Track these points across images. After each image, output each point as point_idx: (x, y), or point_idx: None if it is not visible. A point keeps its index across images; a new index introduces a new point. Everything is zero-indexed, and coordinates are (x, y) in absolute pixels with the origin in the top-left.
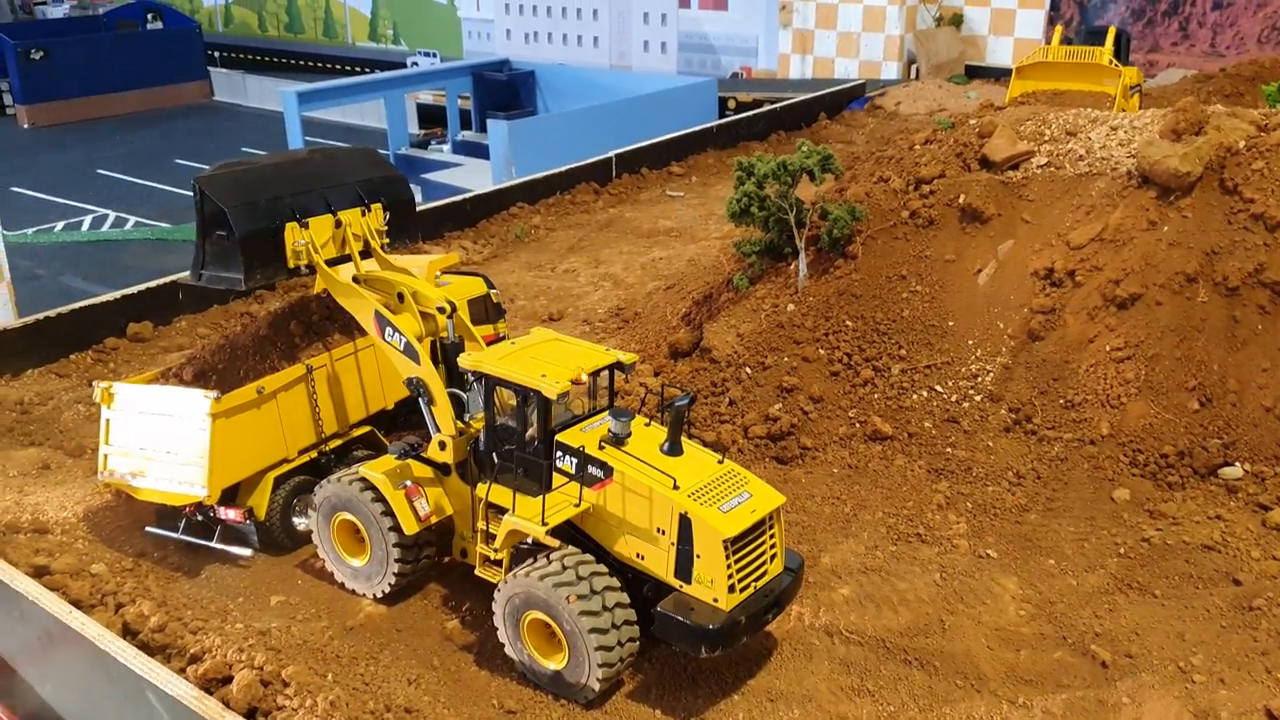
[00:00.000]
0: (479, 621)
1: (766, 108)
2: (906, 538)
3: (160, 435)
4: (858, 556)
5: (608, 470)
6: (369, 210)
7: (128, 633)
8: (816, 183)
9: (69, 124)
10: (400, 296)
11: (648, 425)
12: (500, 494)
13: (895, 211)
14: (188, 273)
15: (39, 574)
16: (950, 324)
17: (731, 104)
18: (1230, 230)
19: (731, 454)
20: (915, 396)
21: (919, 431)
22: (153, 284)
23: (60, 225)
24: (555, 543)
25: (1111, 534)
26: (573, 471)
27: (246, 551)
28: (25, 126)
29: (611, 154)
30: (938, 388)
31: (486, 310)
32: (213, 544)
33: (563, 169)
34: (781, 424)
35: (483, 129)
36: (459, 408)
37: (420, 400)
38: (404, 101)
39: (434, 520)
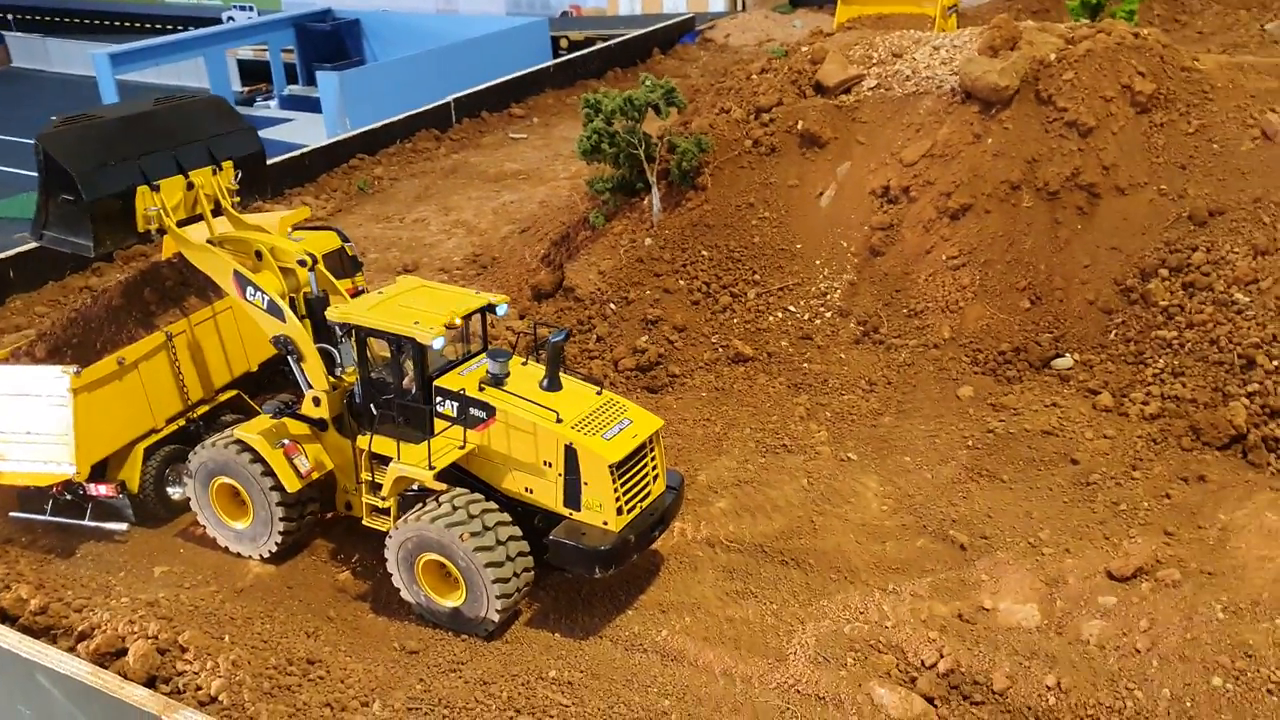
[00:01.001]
0: (370, 571)
1: (600, 45)
2: (774, 449)
3: (18, 416)
4: (731, 471)
5: (490, 410)
6: (220, 169)
7: (6, 619)
8: (663, 117)
9: None
10: (258, 254)
11: (524, 364)
12: (382, 444)
13: (739, 141)
14: (30, 232)
15: None
16: (798, 246)
17: (564, 43)
18: (1047, 138)
19: (604, 387)
20: (771, 318)
21: (777, 350)
22: None
23: None
24: (442, 486)
25: (959, 428)
26: (454, 415)
27: (122, 526)
28: None
29: (450, 99)
30: (791, 308)
31: (343, 264)
32: (85, 522)
33: (400, 117)
34: (649, 355)
35: (310, 82)
36: (329, 362)
37: (290, 358)
38: (224, 58)
39: (315, 476)
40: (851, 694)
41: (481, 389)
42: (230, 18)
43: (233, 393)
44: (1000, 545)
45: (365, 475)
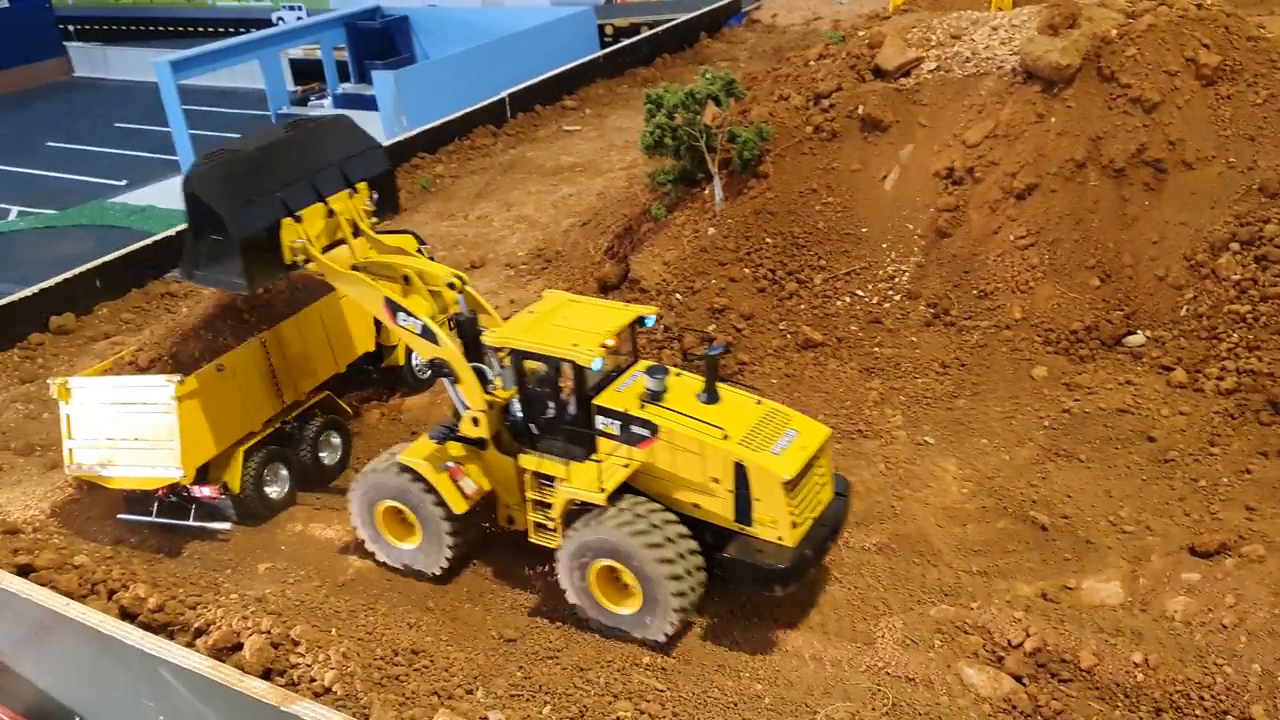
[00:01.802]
0: (462, 561)
1: (647, 32)
2: (849, 435)
3: (126, 423)
4: None
5: (653, 428)
6: (355, 191)
7: (126, 616)
8: (723, 108)
9: None
10: (406, 279)
11: (678, 375)
12: (547, 464)
13: (799, 128)
14: (179, 272)
15: (24, 572)
16: (864, 230)
17: (609, 30)
18: (1111, 115)
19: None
20: (839, 303)
21: (847, 335)
22: (69, 275)
23: None
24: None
25: (1035, 409)
26: (616, 433)
27: (225, 525)
28: None
29: (504, 94)
30: (859, 292)
31: None
32: (190, 522)
33: (457, 115)
34: (717, 343)
35: (361, 80)
36: (482, 380)
37: (445, 380)
38: (279, 60)
39: (479, 496)
40: (941, 674)
41: (642, 406)
42: (280, 19)
43: (323, 394)
44: (1081, 524)
45: (530, 494)
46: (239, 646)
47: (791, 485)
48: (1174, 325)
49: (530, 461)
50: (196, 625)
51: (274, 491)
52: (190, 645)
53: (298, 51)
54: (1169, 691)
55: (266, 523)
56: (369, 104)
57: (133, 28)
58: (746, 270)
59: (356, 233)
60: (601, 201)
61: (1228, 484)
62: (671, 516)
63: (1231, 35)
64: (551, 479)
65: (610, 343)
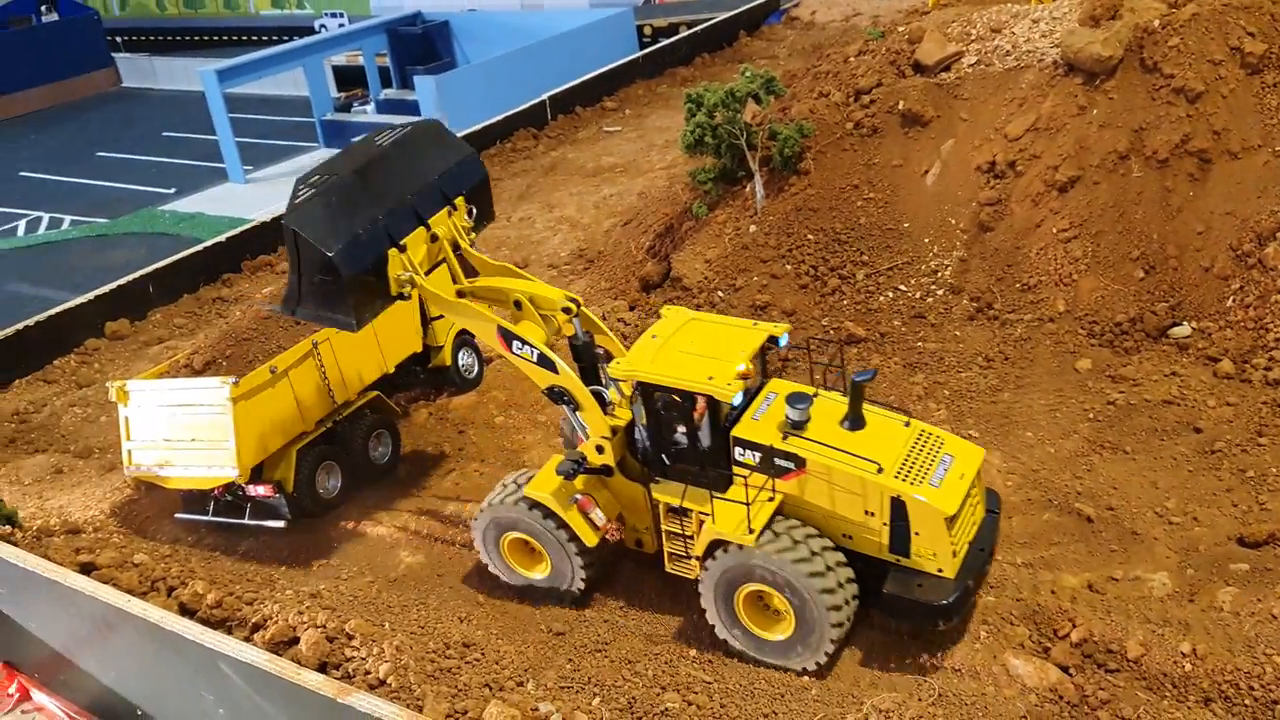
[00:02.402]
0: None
1: (685, 32)
2: None
3: (183, 425)
4: None
5: (799, 461)
6: (455, 208)
7: (186, 612)
8: (763, 106)
9: None
10: (517, 304)
11: (816, 395)
12: (688, 500)
13: (840, 124)
14: (279, 306)
15: (86, 571)
16: (905, 225)
17: (647, 30)
18: (1154, 106)
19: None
20: (882, 298)
21: (890, 330)
22: (122, 281)
23: None
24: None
25: (1079, 401)
26: (756, 465)
27: (279, 523)
28: None
29: (544, 96)
30: (902, 287)
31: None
32: (245, 521)
33: (499, 118)
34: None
35: (403, 86)
36: (601, 404)
37: (565, 408)
38: (322, 67)
39: (610, 527)
40: (987, 665)
41: (785, 438)
42: (323, 26)
43: (373, 394)
44: (1127, 516)
45: (666, 526)
46: (295, 640)
47: (953, 519)
48: (1220, 316)
49: (665, 495)
50: (254, 620)
51: (326, 490)
52: (248, 640)
53: (340, 58)
54: (1217, 681)
55: (319, 520)
56: (412, 109)
57: (179, 38)
58: (788, 267)
59: (455, 249)
60: (642, 201)
61: (1276, 474)
62: (820, 534)
63: (1277, 23)
64: (688, 511)
65: (745, 367)
